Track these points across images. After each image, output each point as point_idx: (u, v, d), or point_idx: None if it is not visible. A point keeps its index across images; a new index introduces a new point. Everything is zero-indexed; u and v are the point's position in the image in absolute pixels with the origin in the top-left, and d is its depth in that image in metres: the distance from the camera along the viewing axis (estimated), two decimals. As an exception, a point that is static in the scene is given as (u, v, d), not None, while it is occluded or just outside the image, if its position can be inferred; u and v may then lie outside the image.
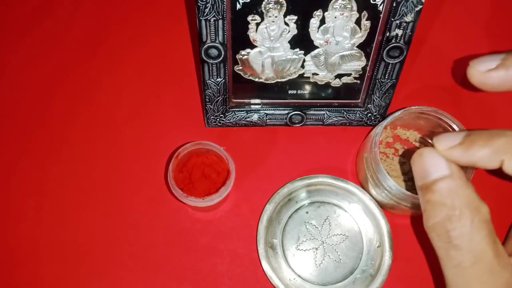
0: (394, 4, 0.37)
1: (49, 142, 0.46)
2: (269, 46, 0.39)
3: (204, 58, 0.39)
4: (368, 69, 0.42)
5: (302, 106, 0.45)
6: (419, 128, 0.45)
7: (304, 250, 0.43)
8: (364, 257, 0.42)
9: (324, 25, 0.38)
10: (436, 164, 0.33)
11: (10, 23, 0.51)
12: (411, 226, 0.44)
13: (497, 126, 0.41)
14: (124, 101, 0.48)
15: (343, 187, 0.44)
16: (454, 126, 0.40)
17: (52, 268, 0.42)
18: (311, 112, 0.45)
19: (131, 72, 0.49)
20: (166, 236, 0.43)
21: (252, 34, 0.38)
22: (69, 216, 0.44)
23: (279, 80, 0.42)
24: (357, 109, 0.45)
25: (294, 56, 0.40)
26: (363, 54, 0.41)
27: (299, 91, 0.44)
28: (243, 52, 0.40)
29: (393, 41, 0.39)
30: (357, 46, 0.40)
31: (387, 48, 0.40)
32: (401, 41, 0.39)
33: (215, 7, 0.36)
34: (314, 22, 0.38)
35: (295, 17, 0.37)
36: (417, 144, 0.45)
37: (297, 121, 0.46)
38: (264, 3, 0.36)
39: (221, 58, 0.39)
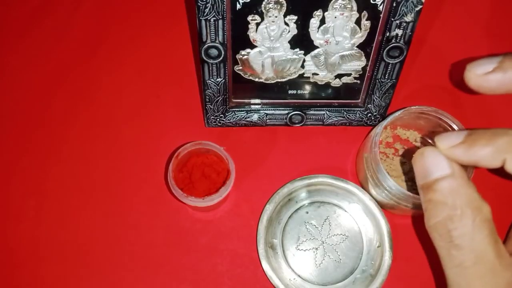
0: (394, 4, 0.37)
1: (49, 142, 0.46)
2: (269, 46, 0.39)
3: (204, 58, 0.39)
4: (368, 69, 0.42)
5: (302, 106, 0.45)
6: (419, 128, 0.45)
7: (304, 250, 0.43)
8: (364, 257, 0.42)
9: (324, 25, 0.38)
10: (438, 163, 0.33)
11: (10, 23, 0.51)
12: (411, 226, 0.44)
13: (497, 126, 0.40)
14: (124, 101, 0.48)
15: (343, 187, 0.44)
16: (454, 126, 0.40)
17: (52, 268, 0.42)
18: (311, 112, 0.45)
19: (131, 72, 0.49)
20: (166, 236, 0.43)
21: (252, 34, 0.38)
22: (69, 216, 0.44)
23: (279, 80, 0.42)
24: (357, 109, 0.45)
25: (294, 56, 0.40)
26: (363, 54, 0.41)
27: (299, 91, 0.44)
28: (243, 52, 0.40)
29: (393, 41, 0.39)
30: (357, 46, 0.40)
31: (387, 48, 0.40)
32: (401, 41, 0.39)
33: (215, 7, 0.36)
34: (314, 22, 0.38)
35: (295, 17, 0.37)
36: (417, 144, 0.45)
37: (297, 121, 0.46)
38: (264, 3, 0.36)
39: (221, 58, 0.39)
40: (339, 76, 0.42)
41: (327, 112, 0.45)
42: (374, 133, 0.41)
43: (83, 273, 0.42)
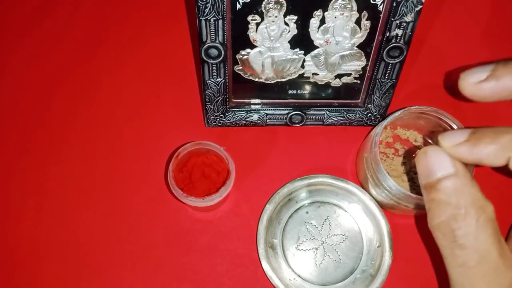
0: (394, 4, 0.37)
1: (49, 142, 0.46)
2: (269, 46, 0.39)
3: (204, 58, 0.39)
4: (368, 69, 0.42)
5: (302, 106, 0.45)
6: (419, 128, 0.45)
7: (304, 250, 0.43)
8: (364, 257, 0.42)
9: (324, 25, 0.38)
10: (441, 162, 0.32)
11: (10, 23, 0.51)
12: (411, 226, 0.43)
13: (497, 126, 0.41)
14: (124, 101, 0.48)
15: (343, 187, 0.44)
16: (454, 126, 0.40)
17: (52, 268, 0.42)
18: (311, 112, 0.45)
19: (131, 72, 0.49)
20: (166, 236, 0.43)
21: (252, 34, 0.38)
22: (69, 216, 0.44)
23: (279, 80, 0.42)
24: (357, 109, 0.45)
25: (294, 56, 0.40)
26: (363, 54, 0.41)
27: (299, 91, 0.44)
28: (243, 52, 0.40)
29: (393, 41, 0.39)
30: (357, 46, 0.40)
31: (387, 48, 0.40)
32: (401, 41, 0.39)
33: (215, 7, 0.36)
34: (314, 22, 0.38)
35: (295, 17, 0.37)
36: (417, 144, 0.45)
37: (297, 121, 0.46)
38: (264, 3, 0.36)
39: (221, 58, 0.39)
40: (339, 76, 0.42)
41: (327, 112, 0.45)
42: (374, 133, 0.41)
43: (83, 273, 0.42)
